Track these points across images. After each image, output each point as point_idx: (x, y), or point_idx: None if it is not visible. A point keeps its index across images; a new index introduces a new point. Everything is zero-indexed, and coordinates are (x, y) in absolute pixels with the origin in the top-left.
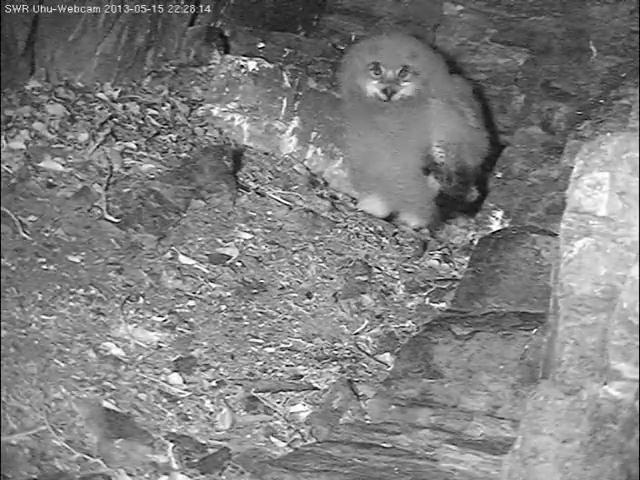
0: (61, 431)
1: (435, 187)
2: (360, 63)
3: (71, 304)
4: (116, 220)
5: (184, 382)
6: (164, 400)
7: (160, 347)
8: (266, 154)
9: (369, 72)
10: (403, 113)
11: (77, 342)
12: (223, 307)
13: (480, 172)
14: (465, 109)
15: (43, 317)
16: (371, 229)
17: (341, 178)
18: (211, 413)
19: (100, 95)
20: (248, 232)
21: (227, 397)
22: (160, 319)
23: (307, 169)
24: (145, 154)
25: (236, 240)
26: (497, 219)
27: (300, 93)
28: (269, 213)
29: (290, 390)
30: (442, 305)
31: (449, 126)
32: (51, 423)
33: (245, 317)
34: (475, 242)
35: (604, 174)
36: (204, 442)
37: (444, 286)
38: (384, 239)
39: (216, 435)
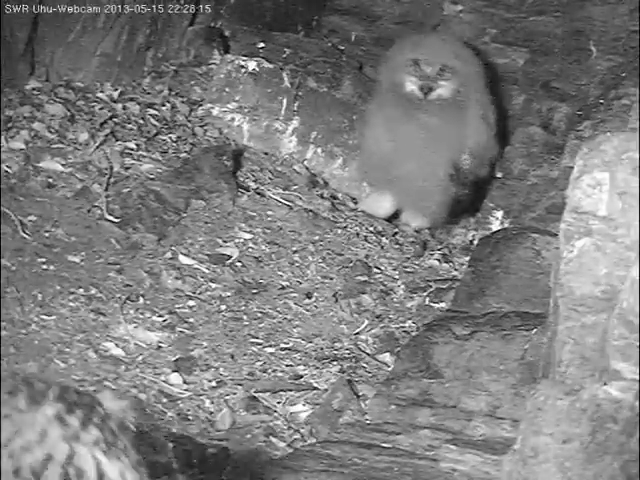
0: None
1: (451, 192)
2: (401, 58)
3: (71, 304)
4: (116, 220)
5: (184, 382)
6: (164, 400)
7: (160, 347)
8: (266, 154)
9: (409, 68)
10: (440, 114)
11: (77, 342)
12: (223, 307)
13: (488, 179)
14: (492, 119)
15: (43, 317)
16: (371, 229)
17: (341, 178)
18: (211, 413)
19: (100, 95)
20: (248, 232)
21: (227, 397)
22: (160, 319)
23: (307, 169)
24: (145, 154)
25: (236, 240)
26: (497, 219)
27: (300, 93)
28: (269, 213)
29: (290, 390)
30: (442, 305)
31: (480, 135)
32: None
33: (245, 317)
34: (475, 242)
35: (604, 174)
36: (204, 442)
37: (444, 286)
38: (384, 239)
39: (216, 435)
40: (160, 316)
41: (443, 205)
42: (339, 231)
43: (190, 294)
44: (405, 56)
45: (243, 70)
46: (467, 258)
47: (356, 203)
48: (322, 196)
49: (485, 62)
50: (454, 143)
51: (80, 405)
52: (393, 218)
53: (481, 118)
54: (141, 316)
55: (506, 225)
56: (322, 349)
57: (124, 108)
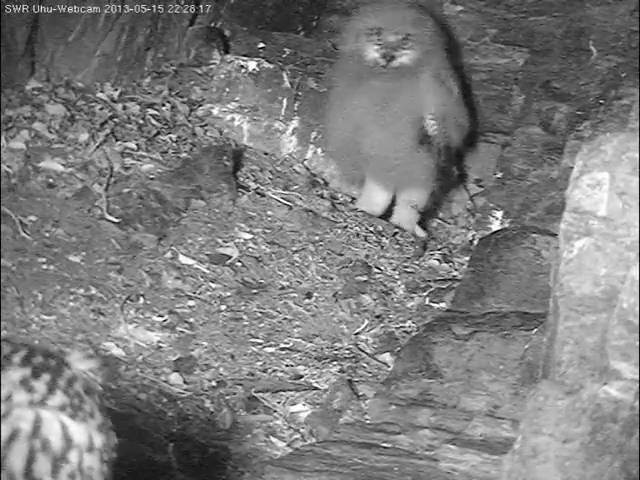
0: None
1: (429, 161)
2: (363, 27)
3: (71, 304)
4: (116, 220)
5: (184, 382)
6: (164, 400)
7: (160, 347)
8: (266, 154)
9: (371, 36)
10: (395, 81)
11: (77, 342)
12: (223, 307)
13: (462, 148)
14: (451, 83)
15: (43, 317)
16: (371, 229)
17: (341, 178)
18: (211, 413)
19: (100, 95)
20: (248, 232)
21: (227, 397)
22: (160, 319)
23: (307, 169)
24: (145, 154)
25: (236, 240)
26: (497, 219)
27: (300, 93)
28: (269, 213)
29: (290, 390)
30: (442, 305)
31: (439, 99)
32: None
33: (245, 317)
34: (475, 242)
35: (604, 174)
36: (204, 442)
37: (444, 286)
38: (384, 239)
39: (216, 435)
40: (160, 316)
41: (429, 174)
42: (339, 231)
43: (190, 294)
44: (367, 25)
45: (243, 70)
46: (467, 258)
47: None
48: (322, 196)
49: (443, 27)
50: (416, 108)
51: (47, 368)
52: (392, 209)
53: (441, 83)
54: (141, 316)
55: (506, 225)
56: (322, 349)
57: (124, 108)
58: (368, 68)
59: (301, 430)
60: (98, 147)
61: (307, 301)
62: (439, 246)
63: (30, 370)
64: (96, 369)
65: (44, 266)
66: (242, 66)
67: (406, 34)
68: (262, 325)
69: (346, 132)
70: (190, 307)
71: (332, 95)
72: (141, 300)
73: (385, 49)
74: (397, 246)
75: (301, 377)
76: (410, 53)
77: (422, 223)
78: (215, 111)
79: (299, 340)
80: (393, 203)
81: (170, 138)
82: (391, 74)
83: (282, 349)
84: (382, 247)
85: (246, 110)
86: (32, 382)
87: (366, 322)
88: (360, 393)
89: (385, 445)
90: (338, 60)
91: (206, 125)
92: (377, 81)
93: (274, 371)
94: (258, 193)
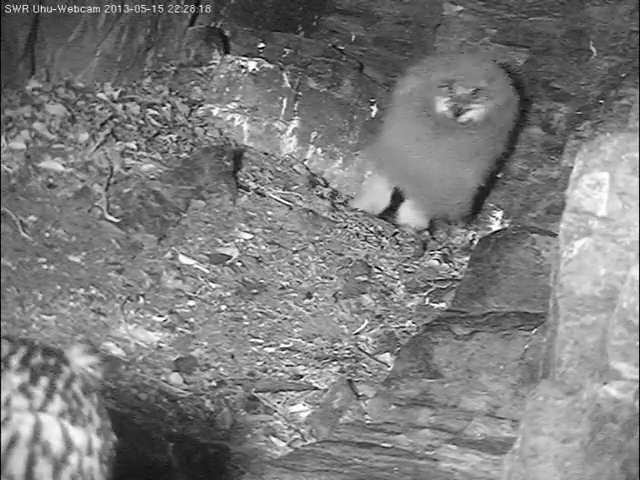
0: None
1: (471, 202)
2: (434, 77)
3: (71, 304)
4: (116, 220)
5: (184, 382)
6: (164, 400)
7: (160, 347)
8: (266, 154)
9: (441, 89)
10: (469, 139)
11: (77, 342)
12: (223, 307)
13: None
14: (511, 137)
15: (43, 317)
16: (371, 229)
17: (341, 178)
18: (211, 413)
19: (100, 95)
20: (248, 232)
21: (227, 397)
22: (160, 319)
23: (307, 169)
24: (145, 154)
25: (236, 240)
26: (497, 219)
27: (300, 93)
28: (269, 213)
29: (290, 390)
30: (442, 305)
31: (500, 153)
32: None
33: (245, 317)
34: (475, 242)
35: (604, 174)
36: (204, 442)
37: (444, 286)
38: (384, 239)
39: (216, 435)
40: (160, 316)
41: (463, 213)
42: (339, 231)
43: (190, 294)
44: (439, 75)
45: (243, 70)
46: (467, 258)
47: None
48: (322, 196)
49: (517, 83)
50: (485, 162)
51: (45, 369)
52: (389, 214)
53: (507, 139)
54: (141, 316)
55: (506, 225)
56: (322, 349)
57: (124, 108)
58: (437, 120)
59: (301, 430)
60: (98, 147)
61: (307, 301)
62: (439, 246)
63: (28, 375)
64: (96, 364)
65: (44, 266)
66: (242, 66)
67: (477, 87)
68: (262, 325)
69: (402, 153)
70: (190, 307)
71: (395, 118)
72: (141, 300)
73: (455, 102)
74: (397, 246)
75: (301, 377)
76: (481, 108)
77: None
78: (215, 111)
79: (299, 340)
80: (391, 201)
81: (170, 138)
82: (462, 130)
83: (282, 349)
84: (382, 247)
85: (246, 110)
86: (31, 388)
87: (366, 322)
88: (360, 393)
89: (385, 445)
90: (397, 103)
91: (206, 125)
92: (451, 137)
93: (274, 371)
94: (258, 193)
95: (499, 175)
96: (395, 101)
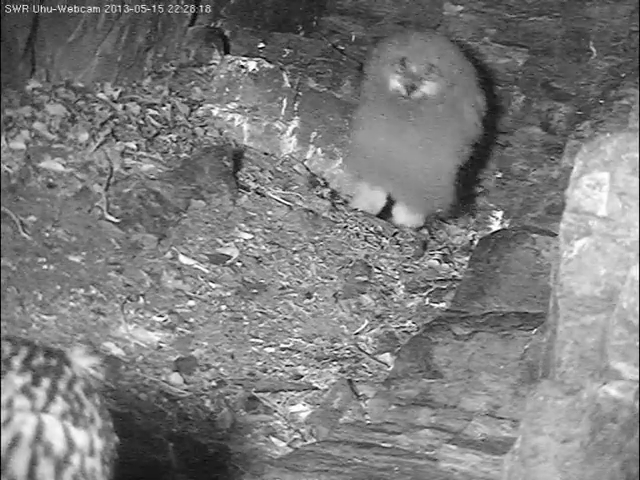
0: None
1: (455, 187)
2: (388, 55)
3: (71, 304)
4: (116, 220)
5: (184, 382)
6: (164, 400)
7: (160, 347)
8: (266, 154)
9: (395, 66)
10: (437, 114)
11: (77, 342)
12: (223, 307)
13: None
14: (481, 115)
15: (43, 317)
16: (371, 229)
17: (341, 178)
18: (211, 413)
19: (100, 95)
20: (248, 232)
21: (227, 397)
22: (160, 319)
23: (307, 169)
24: (145, 154)
25: (236, 240)
26: (497, 219)
27: (300, 93)
28: (269, 213)
29: (290, 390)
30: (442, 305)
31: (474, 131)
32: None
33: (245, 317)
34: (475, 242)
35: (604, 174)
36: (204, 442)
37: (444, 286)
38: (384, 239)
39: (216, 435)
40: (160, 316)
41: (449, 199)
42: (339, 231)
43: (190, 294)
44: (392, 53)
45: (243, 70)
46: (467, 258)
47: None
48: (322, 196)
49: (477, 61)
50: (455, 141)
51: (47, 370)
52: (388, 215)
53: (474, 115)
54: (141, 316)
55: (506, 225)
56: (322, 349)
57: (124, 108)
58: (394, 98)
59: (301, 430)
60: (98, 147)
61: (307, 301)
62: (439, 246)
63: (30, 376)
64: (98, 365)
65: (44, 266)
66: (242, 66)
67: (430, 64)
68: (262, 325)
69: (375, 154)
70: (190, 307)
71: (360, 116)
72: (141, 300)
73: (407, 79)
74: (397, 246)
75: (301, 377)
76: (433, 85)
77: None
78: (215, 111)
79: (299, 340)
80: (390, 202)
81: (170, 138)
82: (424, 106)
83: (282, 349)
84: (382, 247)
85: (246, 110)
86: (33, 390)
87: (366, 322)
88: (360, 393)
89: (385, 445)
90: (364, 87)
91: (206, 125)
92: (415, 115)
93: (274, 371)
94: (258, 193)
95: (500, 176)
96: (361, 94)
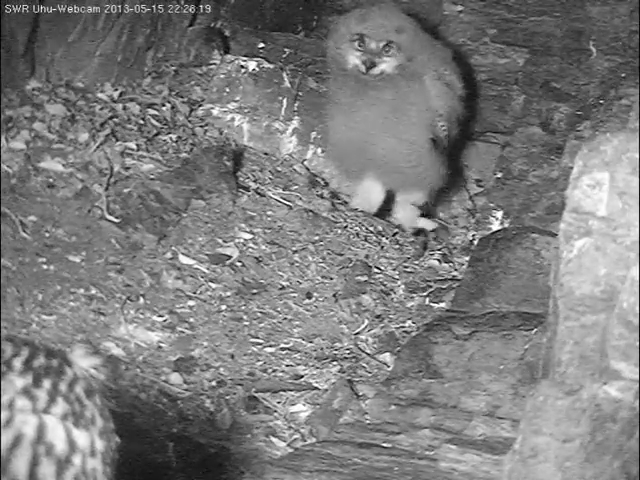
0: None
1: (436, 162)
2: (346, 32)
3: (71, 304)
4: (116, 220)
5: (184, 382)
6: (164, 400)
7: (160, 347)
8: (266, 154)
9: (353, 43)
10: (400, 88)
11: (77, 342)
12: (223, 307)
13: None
14: (452, 78)
15: (43, 317)
16: (371, 229)
17: (341, 178)
18: (211, 413)
19: (100, 95)
20: (248, 232)
21: (227, 397)
22: (160, 319)
23: (307, 169)
24: (145, 154)
25: (236, 240)
26: (497, 219)
27: (300, 93)
28: (269, 213)
29: (290, 390)
30: (442, 305)
31: (443, 99)
32: None
33: (245, 317)
34: (475, 242)
35: (604, 174)
36: (204, 442)
37: (444, 286)
38: (384, 239)
39: (216, 435)
40: (160, 316)
41: (433, 172)
42: (339, 231)
43: (190, 294)
44: (350, 30)
45: (243, 70)
46: (467, 258)
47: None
48: (322, 196)
49: (434, 30)
50: (423, 113)
51: (48, 371)
52: (388, 213)
53: (441, 83)
54: (141, 316)
55: (506, 225)
56: (322, 349)
57: (124, 108)
58: (361, 78)
59: (301, 430)
60: (98, 147)
61: (307, 301)
62: (439, 246)
63: (31, 377)
64: (99, 366)
65: (44, 266)
66: (242, 66)
67: (387, 41)
68: (262, 325)
69: (349, 135)
70: (190, 307)
71: (331, 99)
72: (141, 300)
73: (366, 56)
74: (397, 246)
75: (301, 377)
76: (392, 60)
77: (427, 216)
78: (215, 111)
79: (299, 340)
80: (389, 201)
81: (170, 138)
82: (390, 82)
83: (282, 349)
84: (382, 247)
85: (246, 110)
86: (34, 391)
87: (366, 322)
88: (360, 393)
89: (385, 445)
90: (328, 65)
91: (206, 125)
92: (376, 91)
93: (274, 371)
94: (258, 193)
95: (500, 176)
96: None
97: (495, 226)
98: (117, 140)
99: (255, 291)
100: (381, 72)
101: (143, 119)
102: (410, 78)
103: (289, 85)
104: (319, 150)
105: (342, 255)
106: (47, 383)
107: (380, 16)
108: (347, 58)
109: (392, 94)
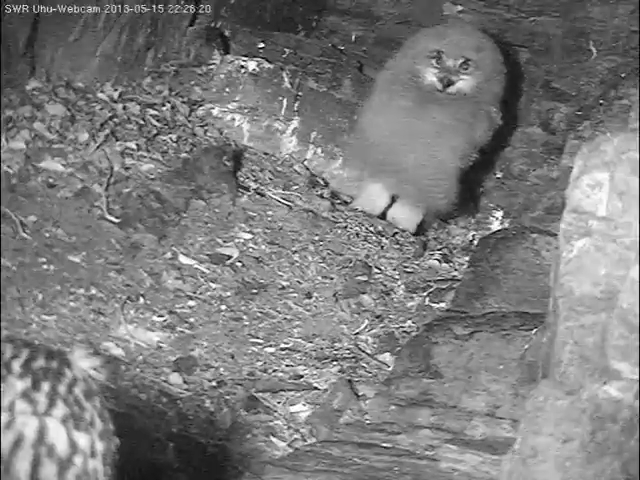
0: None
1: (457, 186)
2: (423, 49)
3: (71, 304)
4: (116, 220)
5: (184, 382)
6: (164, 400)
7: (160, 347)
8: (266, 154)
9: (430, 59)
10: (455, 110)
11: (77, 342)
12: (223, 307)
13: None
14: (498, 114)
15: (43, 317)
16: (371, 229)
17: (341, 178)
18: (211, 413)
19: (100, 95)
20: (248, 232)
21: (227, 397)
22: (160, 319)
23: (307, 169)
24: (145, 154)
25: (236, 240)
26: (497, 219)
27: (300, 93)
28: (269, 213)
29: (290, 390)
30: (442, 305)
31: (486, 131)
32: None
33: (245, 317)
34: (475, 242)
35: (604, 174)
36: (204, 442)
37: (444, 286)
38: (384, 239)
39: (216, 435)
40: (160, 316)
41: (447, 200)
42: (339, 231)
43: (190, 294)
44: (428, 47)
45: (243, 70)
46: (467, 258)
47: (351, 201)
48: (322, 196)
49: (506, 55)
50: (466, 137)
51: (47, 373)
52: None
53: (492, 114)
54: (141, 316)
55: (506, 225)
56: (322, 349)
57: (124, 108)
58: (424, 91)
59: (301, 430)
60: (98, 147)
61: (307, 301)
62: (439, 246)
63: (30, 380)
64: (99, 367)
65: (44, 266)
66: (242, 66)
67: (465, 58)
68: (262, 325)
69: (388, 139)
70: (190, 307)
71: (375, 98)
72: (141, 300)
73: (443, 73)
74: (397, 246)
75: (301, 377)
76: (469, 79)
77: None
78: (215, 111)
79: (299, 340)
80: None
81: (170, 138)
82: (450, 101)
83: (282, 349)
84: (382, 247)
85: (246, 110)
86: (33, 394)
87: (366, 322)
88: (360, 393)
89: (385, 445)
90: (385, 78)
91: (206, 125)
92: (434, 107)
93: (274, 371)
94: (258, 193)
95: (500, 176)
96: (378, 84)
97: (495, 226)
98: (117, 140)
99: (255, 291)
100: (458, 90)
101: (143, 119)
102: (478, 105)
103: (289, 85)
104: (319, 150)
105: (342, 255)
106: (46, 386)
107: (458, 33)
108: (424, 74)
109: (454, 115)
